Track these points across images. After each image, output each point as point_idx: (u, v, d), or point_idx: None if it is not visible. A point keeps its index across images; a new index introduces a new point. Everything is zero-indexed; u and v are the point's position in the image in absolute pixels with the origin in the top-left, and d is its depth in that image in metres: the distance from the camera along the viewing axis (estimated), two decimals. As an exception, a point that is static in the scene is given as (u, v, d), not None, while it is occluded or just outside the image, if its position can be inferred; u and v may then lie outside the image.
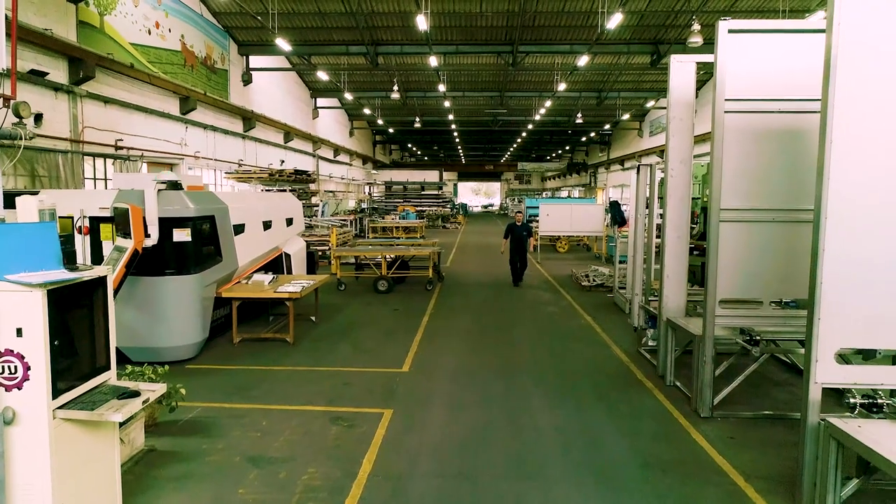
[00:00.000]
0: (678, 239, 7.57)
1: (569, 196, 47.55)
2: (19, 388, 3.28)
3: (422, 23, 18.38)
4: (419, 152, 74.88)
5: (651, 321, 8.77)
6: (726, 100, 6.01)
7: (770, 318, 6.44)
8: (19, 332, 3.23)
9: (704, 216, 15.89)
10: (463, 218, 51.25)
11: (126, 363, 7.86)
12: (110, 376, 3.89)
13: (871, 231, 4.13)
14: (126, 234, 7.39)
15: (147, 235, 7.57)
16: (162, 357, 8.05)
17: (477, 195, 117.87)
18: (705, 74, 29.16)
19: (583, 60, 23.41)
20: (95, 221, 7.92)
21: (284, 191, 25.30)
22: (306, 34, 24.82)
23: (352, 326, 10.60)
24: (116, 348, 7.85)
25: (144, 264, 7.71)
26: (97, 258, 7.86)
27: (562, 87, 28.67)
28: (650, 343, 8.78)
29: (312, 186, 28.93)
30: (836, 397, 6.49)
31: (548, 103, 34.11)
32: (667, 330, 7.47)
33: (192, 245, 8.18)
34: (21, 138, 4.60)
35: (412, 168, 64.21)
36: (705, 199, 16.52)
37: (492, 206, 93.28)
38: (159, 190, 7.87)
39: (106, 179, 16.53)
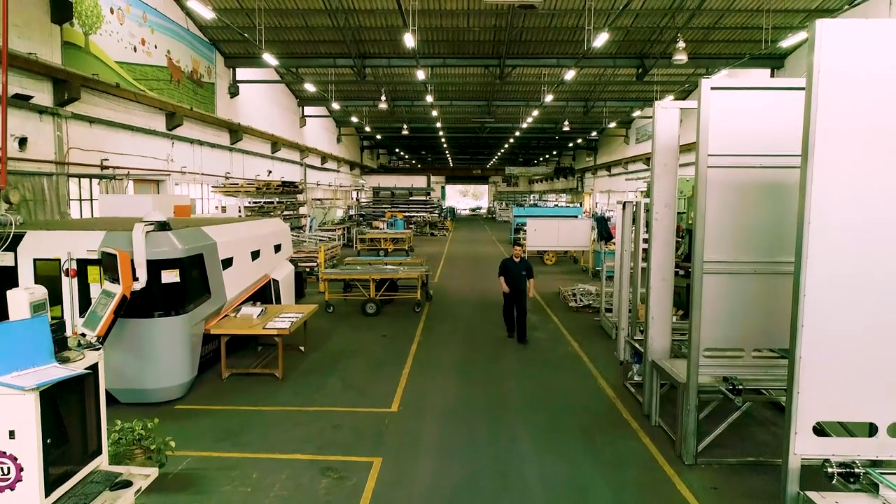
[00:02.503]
0: (663, 282, 7.69)
1: (556, 204, 47.75)
2: (12, 489, 3.30)
3: (409, 40, 18.42)
4: (407, 156, 74.89)
5: (636, 357, 8.88)
6: (709, 155, 6.12)
7: (753, 366, 6.57)
8: (12, 434, 3.26)
9: (690, 236, 16.09)
10: (451, 223, 51.26)
11: (114, 404, 7.94)
12: (102, 461, 3.92)
13: (849, 308, 4.25)
14: (114, 279, 7.39)
15: (135, 279, 7.58)
16: (150, 398, 8.08)
17: (465, 197, 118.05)
18: (693, 84, 29.42)
19: (569, 75, 23.58)
20: (83, 263, 7.90)
21: (272, 203, 25.28)
22: (293, 47, 24.80)
23: (340, 356, 10.64)
24: (105, 390, 7.86)
25: (132, 306, 7.68)
26: (85, 301, 7.85)
27: (549, 98, 28.84)
28: (636, 378, 8.90)
29: (300, 197, 28.91)
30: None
31: (535, 112, 34.29)
32: (652, 372, 7.59)
33: (181, 285, 8.18)
34: (11, 225, 4.59)
35: (400, 173, 64.30)
36: (690, 222, 16.73)
37: (480, 209, 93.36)
38: (147, 232, 7.86)
39: (92, 200, 16.44)
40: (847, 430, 5.27)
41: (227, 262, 9.65)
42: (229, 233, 10.07)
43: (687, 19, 21.29)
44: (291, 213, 27.21)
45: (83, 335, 7.26)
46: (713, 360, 6.52)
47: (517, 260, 11.92)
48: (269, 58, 20.89)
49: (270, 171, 30.18)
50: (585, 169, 60.66)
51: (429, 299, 15.84)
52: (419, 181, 53.70)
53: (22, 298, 3.52)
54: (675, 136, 7.57)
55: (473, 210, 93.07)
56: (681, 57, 19.68)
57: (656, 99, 30.26)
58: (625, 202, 10.04)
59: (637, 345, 8.57)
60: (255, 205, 23.99)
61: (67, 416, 3.73)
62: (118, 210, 14.54)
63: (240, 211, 21.89)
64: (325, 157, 41.29)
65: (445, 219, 52.23)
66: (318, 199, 38.66)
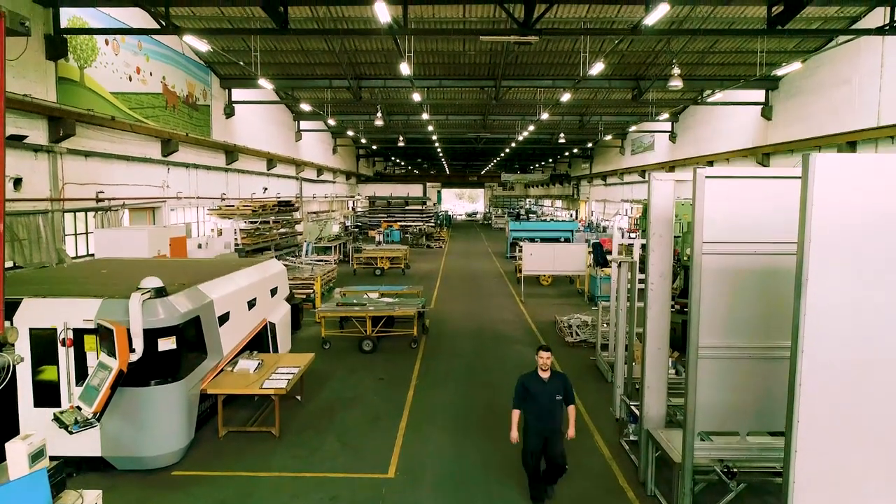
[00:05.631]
0: (658, 351, 7.74)
1: (552, 218, 47.64)
2: None
3: (405, 69, 18.43)
4: (403, 163, 74.89)
5: (632, 417, 8.92)
6: (704, 242, 6.16)
7: (748, 449, 6.61)
8: None
9: (685, 273, 16.15)
10: (447, 232, 51.34)
11: (111, 470, 7.96)
12: None
13: (841, 436, 4.29)
14: (111, 353, 7.39)
15: (132, 350, 7.57)
16: (148, 465, 8.08)
17: (461, 199, 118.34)
18: (687, 103, 29.45)
19: (565, 97, 23.63)
20: (79, 333, 7.89)
21: (268, 222, 25.24)
22: (289, 69, 24.78)
23: (337, 406, 10.65)
24: (102, 458, 7.86)
25: (128, 375, 7.68)
26: (81, 371, 7.84)
27: (544, 116, 28.88)
28: (631, 437, 8.93)
29: (296, 215, 28.90)
30: None
31: (531, 127, 34.33)
32: (647, 441, 7.63)
33: (177, 351, 8.18)
34: (8, 367, 4.61)
35: (396, 180, 64.27)
36: (686, 258, 16.79)
37: (476, 214, 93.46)
38: (143, 301, 7.85)
39: (87, 233, 16.41)
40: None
41: (224, 318, 9.65)
42: (225, 286, 10.06)
43: (682, 45, 21.35)
44: (287, 230, 27.23)
45: (79, 408, 7.30)
46: (707, 444, 6.57)
47: (545, 375, 7.19)
48: (264, 82, 20.88)
49: (266, 189, 30.17)
50: (581, 177, 60.80)
51: (425, 332, 15.84)
52: (415, 190, 53.87)
53: (20, 451, 3.53)
54: (669, 208, 7.60)
55: (470, 215, 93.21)
56: (676, 83, 19.74)
57: (651, 117, 30.34)
58: (620, 261, 10.08)
59: (633, 408, 8.61)
60: (251, 225, 23.95)
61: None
62: (115, 245, 14.55)
63: (235, 234, 21.82)
64: (321, 170, 41.26)
65: (441, 227, 52.30)
66: (314, 213, 38.65)
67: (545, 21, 16.16)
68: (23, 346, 7.87)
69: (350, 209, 52.60)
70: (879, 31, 14.28)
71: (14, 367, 4.99)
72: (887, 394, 4.60)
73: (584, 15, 18.45)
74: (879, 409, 4.61)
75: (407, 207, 51.87)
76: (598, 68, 17.93)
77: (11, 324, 7.91)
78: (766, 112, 24.56)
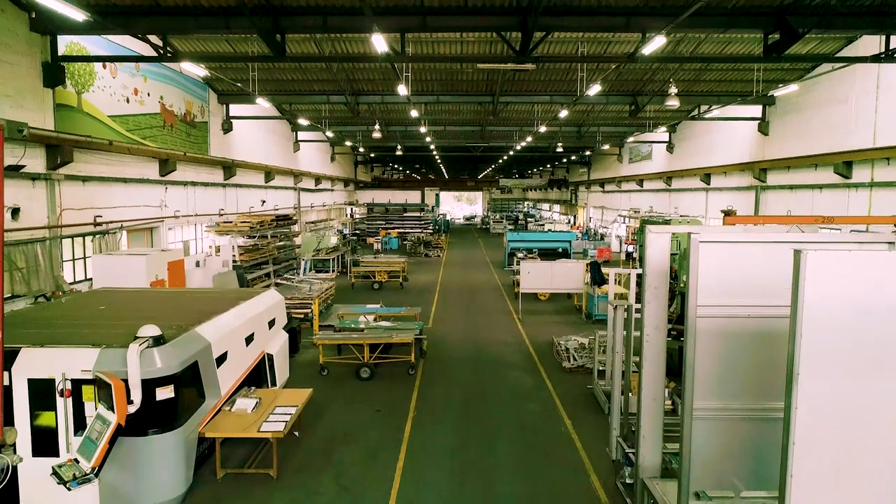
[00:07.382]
0: (654, 401, 7.78)
1: (550, 229, 47.54)
2: None
3: (403, 90, 18.47)
4: (401, 168, 75.03)
5: (627, 460, 8.96)
6: (699, 305, 6.21)
7: (741, 507, 6.67)
8: None
9: (682, 300, 16.23)
10: (445, 238, 51.30)
11: (109, 518, 8.00)
12: None
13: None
14: (109, 406, 7.43)
15: (130, 402, 7.61)
16: (145, 514, 8.12)
17: (459, 201, 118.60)
18: (683, 117, 29.53)
19: (563, 113, 23.68)
20: (77, 383, 7.92)
21: (266, 237, 25.25)
22: (287, 85, 24.81)
23: (334, 443, 10.68)
24: (100, 508, 7.84)
25: (126, 424, 7.71)
26: (79, 421, 7.87)
27: (542, 129, 28.93)
28: (627, 480, 8.98)
29: (295, 228, 28.93)
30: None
31: (528, 138, 34.38)
32: (643, 491, 7.68)
33: (175, 399, 8.21)
34: (7, 468, 4.64)
35: (394, 186, 64.32)
36: (683, 285, 16.84)
37: (474, 217, 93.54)
38: (141, 351, 7.88)
39: (85, 258, 16.43)
40: None
41: (222, 358, 9.69)
42: (223, 325, 10.09)
43: (679, 64, 21.40)
44: (286, 243, 27.25)
45: (76, 461, 7.33)
46: (702, 502, 6.62)
47: None
48: (262, 101, 20.91)
49: (264, 201, 30.18)
50: (579, 182, 60.88)
51: (423, 356, 15.88)
52: (413, 196, 53.74)
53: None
54: (665, 262, 7.64)
55: (468, 219, 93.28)
56: (673, 102, 19.82)
57: (649, 129, 30.41)
58: (616, 305, 10.13)
59: (630, 454, 8.65)
60: (249, 241, 23.95)
61: None
62: (114, 272, 14.57)
63: (234, 250, 21.84)
64: (318, 179, 41.27)
65: (440, 234, 52.27)
66: (312, 222, 38.65)
67: (543, 44, 16.20)
68: (22, 397, 7.91)
69: (348, 216, 52.63)
70: (875, 58, 14.33)
71: (15, 467, 5.02)
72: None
73: (581, 36, 18.49)
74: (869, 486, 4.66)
75: (405, 214, 51.87)
76: (595, 89, 17.98)
77: (10, 372, 7.97)
78: (763, 127, 24.62)
